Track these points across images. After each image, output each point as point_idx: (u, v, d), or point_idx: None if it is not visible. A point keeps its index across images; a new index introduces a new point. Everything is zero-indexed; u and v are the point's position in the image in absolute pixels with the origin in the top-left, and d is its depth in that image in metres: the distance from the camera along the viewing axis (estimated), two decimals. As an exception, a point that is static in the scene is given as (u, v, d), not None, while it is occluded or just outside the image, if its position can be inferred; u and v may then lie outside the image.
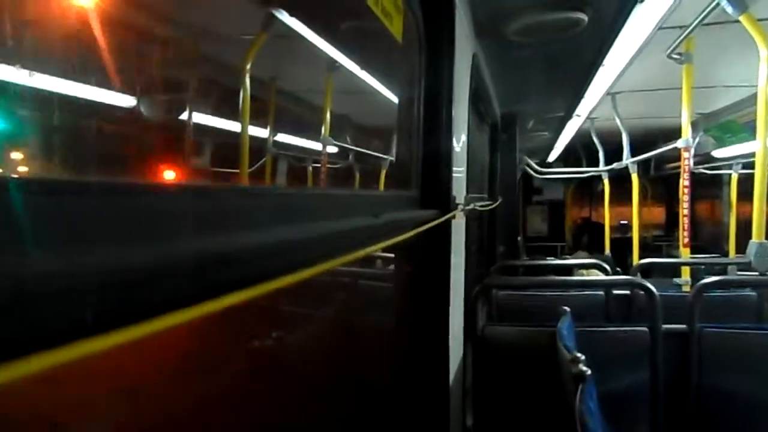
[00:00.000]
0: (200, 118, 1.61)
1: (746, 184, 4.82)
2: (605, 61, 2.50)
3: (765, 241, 2.05)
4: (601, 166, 5.32)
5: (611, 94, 3.62)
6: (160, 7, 1.26)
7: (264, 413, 1.10)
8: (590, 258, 4.42)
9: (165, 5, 1.27)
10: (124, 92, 1.30)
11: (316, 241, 0.58)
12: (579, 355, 1.18)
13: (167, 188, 0.44)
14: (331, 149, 2.64)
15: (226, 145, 1.82)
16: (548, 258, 6.03)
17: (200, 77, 1.60)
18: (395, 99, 2.14)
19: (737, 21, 1.99)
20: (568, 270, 4.10)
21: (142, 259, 0.33)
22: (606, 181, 5.47)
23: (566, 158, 7.21)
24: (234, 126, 1.72)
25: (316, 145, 2.49)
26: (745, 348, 1.73)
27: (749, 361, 1.72)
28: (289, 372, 1.27)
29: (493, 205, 3.32)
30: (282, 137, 2.37)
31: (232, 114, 1.68)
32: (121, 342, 0.30)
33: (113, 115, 1.25)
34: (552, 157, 7.04)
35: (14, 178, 0.29)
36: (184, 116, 1.56)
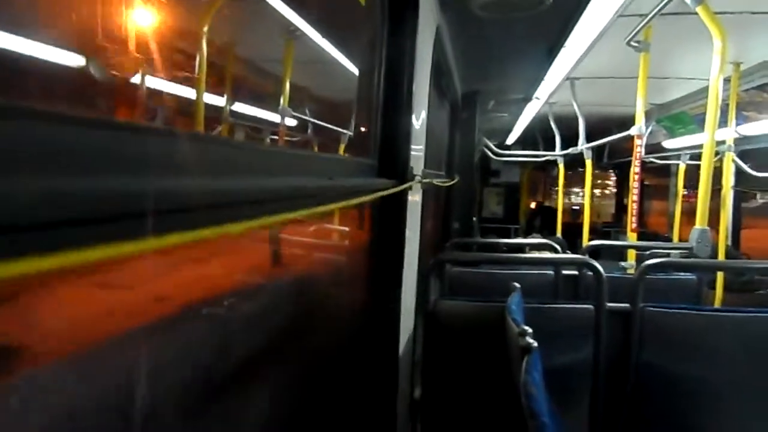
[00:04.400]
0: (153, 81, 1.54)
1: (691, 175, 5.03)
2: (567, 43, 2.52)
3: (707, 227, 2.13)
4: (557, 151, 5.42)
5: (570, 79, 3.67)
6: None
7: (210, 381, 1.07)
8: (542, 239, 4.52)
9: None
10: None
11: (265, 194, 0.56)
12: (526, 328, 1.19)
13: (135, 128, 0.44)
14: (291, 122, 2.58)
15: (179, 111, 1.75)
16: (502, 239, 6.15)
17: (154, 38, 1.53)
18: (355, 69, 2.10)
19: (695, 13, 2.03)
20: (521, 249, 4.19)
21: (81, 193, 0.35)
22: (561, 166, 5.58)
23: (524, 142, 7.32)
24: (189, 92, 1.65)
25: (275, 117, 2.42)
26: (684, 328, 1.80)
27: (688, 340, 1.79)
28: (237, 338, 1.24)
29: (450, 183, 3.34)
30: (239, 107, 2.30)
31: (187, 80, 1.61)
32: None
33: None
34: (510, 139, 7.13)
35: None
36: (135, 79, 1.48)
